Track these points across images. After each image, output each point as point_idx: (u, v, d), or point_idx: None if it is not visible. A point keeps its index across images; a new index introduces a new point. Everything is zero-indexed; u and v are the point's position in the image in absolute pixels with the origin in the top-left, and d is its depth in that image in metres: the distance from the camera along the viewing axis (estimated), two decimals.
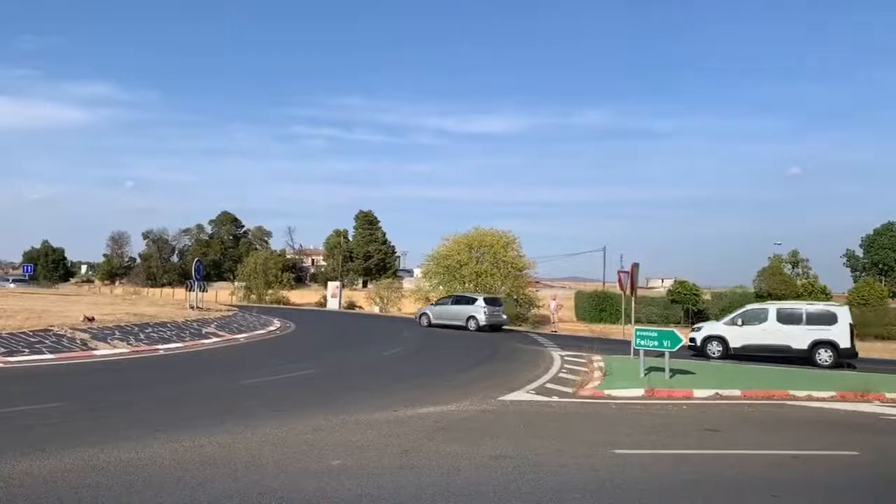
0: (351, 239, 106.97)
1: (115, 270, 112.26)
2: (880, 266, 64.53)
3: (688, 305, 54.79)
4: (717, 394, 14.10)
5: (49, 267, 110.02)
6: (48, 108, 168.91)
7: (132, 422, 9.21)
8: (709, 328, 24.27)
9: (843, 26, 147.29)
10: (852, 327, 21.60)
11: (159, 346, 17.72)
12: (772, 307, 23.55)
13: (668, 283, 61.93)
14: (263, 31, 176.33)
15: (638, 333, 15.66)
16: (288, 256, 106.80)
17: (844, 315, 21.74)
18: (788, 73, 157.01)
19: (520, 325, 39.98)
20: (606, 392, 13.81)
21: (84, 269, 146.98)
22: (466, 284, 46.31)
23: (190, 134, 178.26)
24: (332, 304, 52.70)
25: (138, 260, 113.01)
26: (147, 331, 19.37)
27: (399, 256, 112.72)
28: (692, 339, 23.65)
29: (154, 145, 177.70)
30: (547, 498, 6.58)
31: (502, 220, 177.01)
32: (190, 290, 29.88)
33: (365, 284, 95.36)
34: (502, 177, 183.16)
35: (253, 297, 62.04)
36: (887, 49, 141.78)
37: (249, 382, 13.20)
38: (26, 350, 14.91)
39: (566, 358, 20.05)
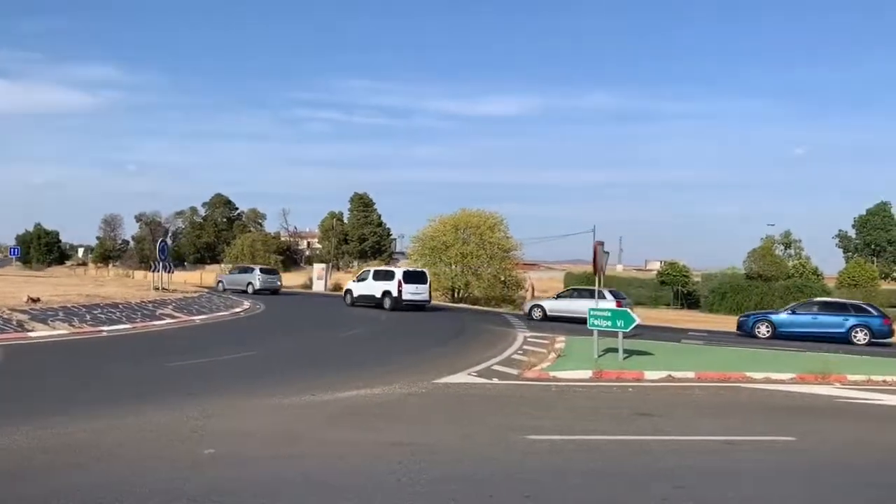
0: (346, 221, 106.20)
1: (108, 253, 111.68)
2: (872, 247, 63.68)
3: (678, 287, 54.27)
4: (669, 375, 13.52)
5: (42, 249, 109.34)
6: (51, 91, 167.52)
7: (14, 408, 8.61)
8: (348, 285, 34.76)
9: (845, 10, 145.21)
10: (400, 282, 30.12)
11: (104, 328, 17.17)
12: (372, 269, 34.51)
13: None
14: (265, 13, 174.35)
15: (591, 313, 15.06)
16: (283, 239, 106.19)
17: (399, 273, 31.10)
18: (790, 56, 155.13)
19: (499, 306, 39.50)
20: (552, 374, 13.23)
21: (81, 251, 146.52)
22: (453, 266, 45.76)
23: (192, 117, 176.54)
24: (318, 286, 52.04)
25: (131, 243, 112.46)
26: (95, 312, 18.79)
27: (395, 239, 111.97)
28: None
29: (156, 128, 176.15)
30: (422, 489, 6.01)
31: (505, 203, 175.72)
32: (154, 271, 29.31)
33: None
34: (506, 160, 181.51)
35: None
36: (890, 34, 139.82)
37: (177, 365, 12.64)
38: None
39: (529, 339, 19.49)
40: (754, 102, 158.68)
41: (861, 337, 23.31)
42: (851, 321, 23.79)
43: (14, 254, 68.81)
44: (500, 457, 7.29)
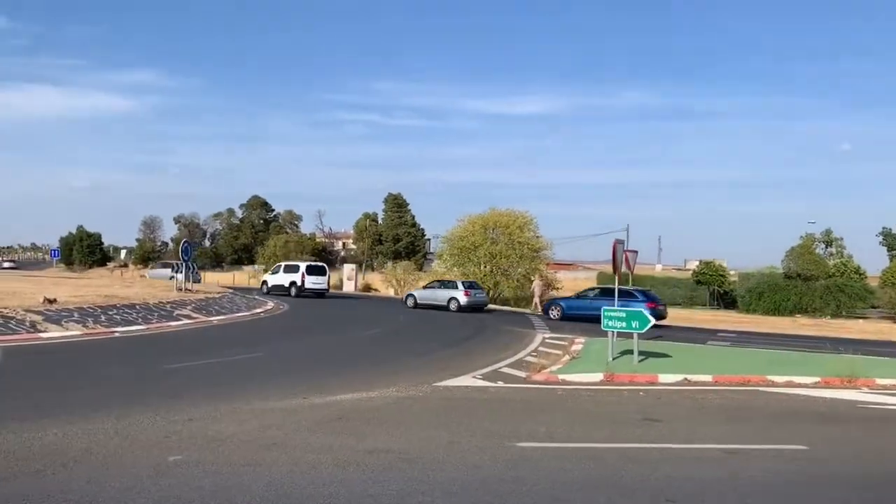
0: (380, 222, 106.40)
1: (148, 255, 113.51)
2: None
3: (714, 286, 53.01)
4: (685, 379, 12.96)
5: (84, 251, 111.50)
6: (94, 97, 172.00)
7: None
8: (264, 277, 40.62)
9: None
10: (303, 274, 36.69)
11: (117, 329, 17.13)
12: (283, 264, 40.44)
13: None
14: (303, 17, 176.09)
15: (606, 314, 14.55)
16: (318, 240, 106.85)
17: (303, 267, 37.58)
18: (833, 49, 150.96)
19: (520, 307, 38.96)
20: (561, 377, 12.78)
21: (124, 253, 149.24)
22: (482, 266, 45.30)
23: (230, 120, 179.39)
24: (348, 287, 52.15)
25: (170, 244, 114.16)
26: (111, 313, 18.79)
27: (429, 239, 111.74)
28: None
29: (195, 131, 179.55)
30: (387, 500, 5.68)
31: (540, 202, 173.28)
32: (177, 272, 29.50)
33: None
34: (541, 159, 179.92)
35: None
36: None
37: (174, 367, 12.46)
38: None
39: (547, 340, 19.01)
40: (797, 97, 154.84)
41: None
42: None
43: (54, 256, 70.44)
44: (484, 465, 6.92)
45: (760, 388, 12.49)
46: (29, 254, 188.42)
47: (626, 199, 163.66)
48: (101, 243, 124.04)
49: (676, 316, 33.22)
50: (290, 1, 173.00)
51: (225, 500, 5.55)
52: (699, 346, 19.07)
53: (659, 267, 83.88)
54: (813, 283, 47.23)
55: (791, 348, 19.24)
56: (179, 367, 12.57)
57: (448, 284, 34.01)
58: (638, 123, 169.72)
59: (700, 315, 37.98)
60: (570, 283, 56.01)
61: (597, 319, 23.90)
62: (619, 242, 19.15)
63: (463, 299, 31.51)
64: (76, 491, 5.66)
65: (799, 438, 8.73)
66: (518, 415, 9.69)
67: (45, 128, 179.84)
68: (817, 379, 13.12)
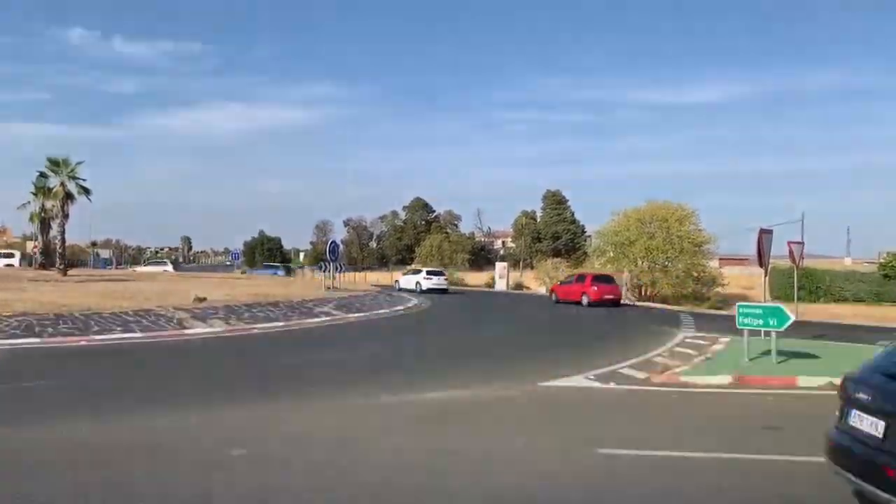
0: (539, 220, 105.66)
1: (321, 256, 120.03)
2: None
3: None
4: (829, 383, 11.45)
5: (265, 255, 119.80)
6: (277, 110, 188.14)
7: (84, 404, 8.89)
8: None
9: None
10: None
11: (257, 326, 17.97)
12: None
13: None
14: (465, 18, 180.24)
15: (741, 311, 13.26)
16: (477, 239, 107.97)
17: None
18: None
19: (679, 304, 36.82)
20: (684, 379, 11.77)
21: (302, 256, 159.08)
22: (639, 262, 43.50)
23: (399, 125, 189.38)
24: (500, 285, 52.08)
25: (340, 246, 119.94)
26: (254, 310, 19.79)
27: (589, 236, 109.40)
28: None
29: (367, 138, 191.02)
30: None
31: (712, 194, 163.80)
32: (325, 271, 30.70)
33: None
34: (716, 149, 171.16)
35: None
36: None
37: (290, 363, 12.83)
38: (119, 329, 15.67)
39: (687, 340, 17.68)
40: None
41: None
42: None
43: (235, 258, 76.43)
44: (544, 471, 6.40)
45: None
46: (220, 257, 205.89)
47: (807, 188, 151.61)
48: (281, 246, 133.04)
49: (853, 312, 30.17)
50: (449, 4, 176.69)
51: (256, 501, 5.47)
52: (863, 345, 16.88)
53: (848, 260, 76.68)
54: None
55: None
56: (296, 362, 12.91)
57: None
58: (821, 108, 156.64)
59: (884, 312, 34.06)
60: (740, 279, 52.41)
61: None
62: (764, 233, 17.60)
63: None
64: (128, 481, 5.85)
65: None
66: (614, 419, 8.97)
67: (236, 141, 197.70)
68: None
